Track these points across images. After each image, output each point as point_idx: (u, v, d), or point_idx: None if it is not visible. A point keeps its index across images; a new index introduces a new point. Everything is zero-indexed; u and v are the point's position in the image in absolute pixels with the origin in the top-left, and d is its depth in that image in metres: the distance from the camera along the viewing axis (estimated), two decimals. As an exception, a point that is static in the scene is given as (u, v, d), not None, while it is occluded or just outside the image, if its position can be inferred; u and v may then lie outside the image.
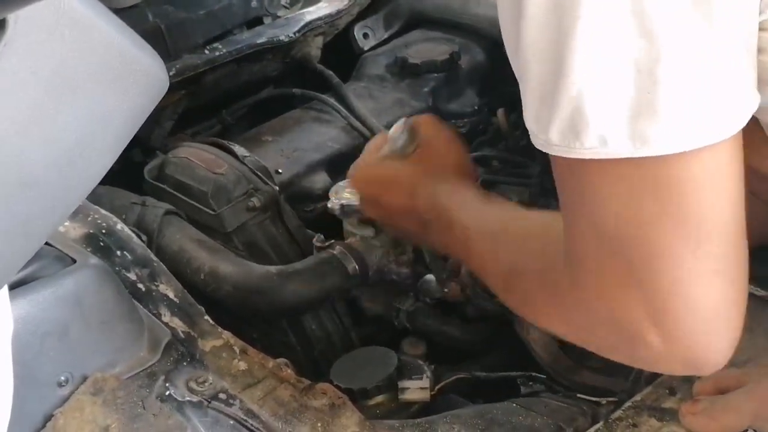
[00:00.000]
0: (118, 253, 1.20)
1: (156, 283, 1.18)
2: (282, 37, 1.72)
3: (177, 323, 1.14)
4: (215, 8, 1.72)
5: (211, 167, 1.45)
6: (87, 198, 1.10)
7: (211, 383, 1.06)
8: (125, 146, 0.78)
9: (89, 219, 1.24)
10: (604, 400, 1.14)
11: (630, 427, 1.04)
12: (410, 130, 1.23)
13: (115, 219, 1.25)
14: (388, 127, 1.61)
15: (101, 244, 1.21)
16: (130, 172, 1.53)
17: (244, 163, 1.47)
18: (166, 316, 1.14)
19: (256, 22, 1.82)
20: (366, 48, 1.86)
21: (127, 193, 1.46)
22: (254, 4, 1.79)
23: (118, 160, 0.78)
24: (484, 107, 1.69)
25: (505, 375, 1.26)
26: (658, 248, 0.75)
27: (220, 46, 1.68)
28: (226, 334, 1.13)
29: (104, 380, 1.03)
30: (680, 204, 0.74)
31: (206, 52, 1.66)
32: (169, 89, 0.79)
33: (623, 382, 1.16)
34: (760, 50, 0.77)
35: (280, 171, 1.53)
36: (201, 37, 1.69)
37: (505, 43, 0.79)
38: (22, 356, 0.90)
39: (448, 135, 1.24)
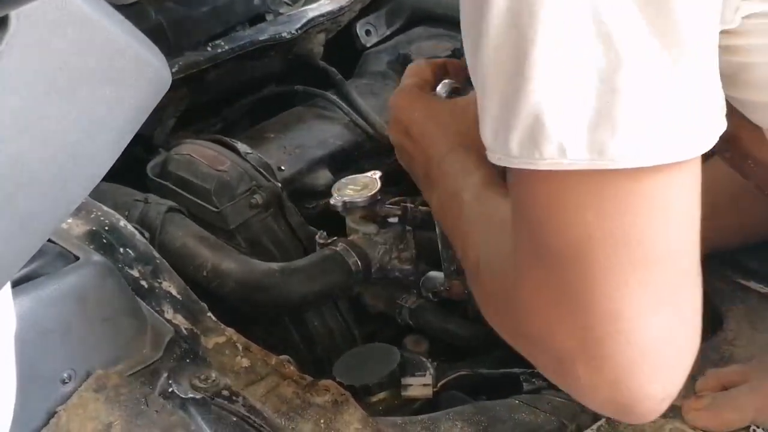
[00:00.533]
0: (121, 250, 1.21)
1: (159, 280, 1.18)
2: (284, 34, 1.72)
3: (180, 320, 1.14)
4: (217, 5, 1.72)
5: (214, 164, 1.45)
6: (90, 195, 1.10)
7: (213, 380, 1.06)
8: (128, 143, 0.78)
9: (92, 216, 1.24)
10: (606, 397, 1.14)
11: (633, 423, 1.04)
12: (452, 91, 1.20)
13: (117, 216, 1.25)
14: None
15: (104, 241, 1.21)
16: (133, 169, 1.53)
17: (247, 160, 1.47)
18: (169, 313, 1.15)
19: (258, 19, 1.81)
20: (368, 45, 1.86)
21: (129, 190, 1.46)
22: (256, 1, 1.79)
23: (120, 157, 0.78)
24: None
25: (508, 372, 1.26)
26: (598, 270, 0.71)
27: (222, 43, 1.67)
28: (229, 331, 1.13)
29: (107, 377, 1.03)
30: (628, 224, 0.71)
31: (208, 49, 1.66)
32: (171, 86, 0.79)
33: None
34: (728, 51, 0.75)
35: (282, 168, 1.53)
36: (203, 34, 1.69)
37: (466, 57, 0.77)
38: (25, 353, 0.89)
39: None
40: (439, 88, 1.19)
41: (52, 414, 1.00)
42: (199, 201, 1.44)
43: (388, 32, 1.88)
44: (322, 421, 1.03)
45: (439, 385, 1.24)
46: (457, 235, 1.01)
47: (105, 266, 1.09)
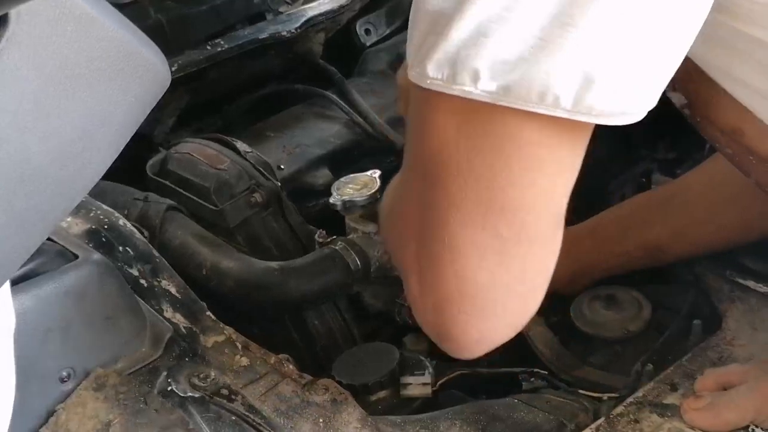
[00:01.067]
0: (120, 248, 1.21)
1: (158, 279, 1.18)
2: (284, 33, 1.72)
3: (179, 319, 1.14)
4: (217, 4, 1.72)
5: (214, 163, 1.45)
6: (89, 194, 1.10)
7: (213, 379, 1.06)
8: (127, 142, 0.78)
9: (91, 215, 1.24)
10: (605, 396, 1.14)
11: (631, 422, 1.04)
12: None
13: (117, 215, 1.26)
14: (390, 123, 1.63)
15: (103, 239, 1.21)
16: (133, 168, 1.53)
17: (247, 159, 1.47)
18: (168, 312, 1.15)
19: (258, 17, 1.81)
20: (368, 44, 1.86)
21: (129, 188, 1.46)
22: (256, -1, 1.79)
23: (120, 156, 0.78)
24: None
25: (507, 371, 1.26)
26: (450, 199, 0.72)
27: (222, 42, 1.67)
28: (228, 330, 1.13)
29: (106, 376, 1.03)
30: (499, 168, 0.71)
31: (208, 47, 1.66)
32: (171, 85, 0.79)
33: (625, 378, 1.17)
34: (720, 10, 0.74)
35: (282, 167, 1.53)
36: (203, 32, 1.69)
37: None
38: (24, 352, 0.90)
39: None
40: None
41: (51, 412, 1.00)
42: (198, 200, 1.44)
43: (388, 31, 1.88)
44: (321, 420, 1.03)
45: (438, 384, 1.24)
46: None
47: (104, 265, 1.09)
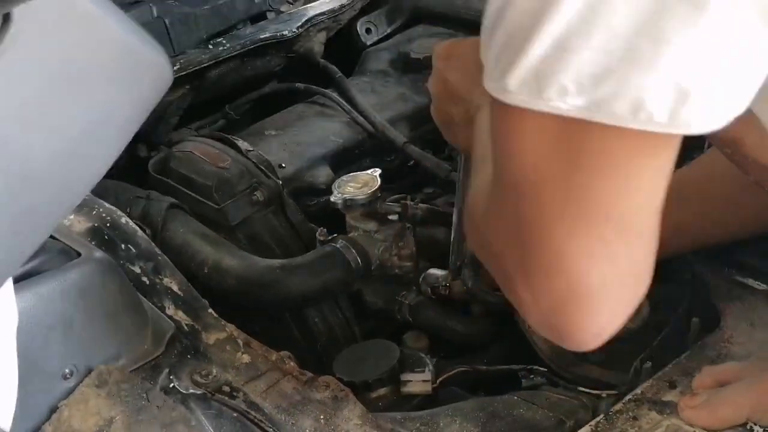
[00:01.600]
0: (123, 246, 1.21)
1: (160, 277, 1.19)
2: (285, 32, 1.73)
3: (181, 316, 1.14)
4: (219, 3, 1.73)
5: (215, 161, 1.46)
6: (92, 192, 1.11)
7: (214, 376, 1.07)
8: (130, 140, 0.78)
9: (94, 213, 1.24)
10: (604, 393, 1.15)
11: (630, 420, 1.05)
12: None
13: (119, 213, 1.26)
14: (390, 122, 1.63)
15: (106, 237, 1.21)
16: (135, 166, 1.54)
17: (248, 158, 1.47)
18: (170, 309, 1.15)
19: (259, 17, 1.82)
20: (369, 43, 1.86)
21: (131, 187, 1.46)
22: (257, -1, 1.80)
23: (122, 154, 0.78)
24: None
25: (507, 368, 1.27)
26: (551, 211, 0.72)
27: (223, 41, 1.68)
28: (230, 327, 1.14)
29: (109, 373, 1.03)
30: (597, 182, 0.71)
31: (210, 47, 1.67)
32: (173, 84, 0.80)
33: (624, 375, 1.17)
34: None
35: (283, 165, 1.53)
36: (205, 32, 1.70)
37: None
38: (27, 349, 0.90)
39: None
40: None
41: (54, 409, 1.00)
42: (200, 198, 1.45)
43: (389, 30, 1.89)
44: (322, 416, 1.04)
45: (438, 381, 1.24)
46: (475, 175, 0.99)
47: (107, 263, 1.09)
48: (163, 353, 1.09)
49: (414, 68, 1.74)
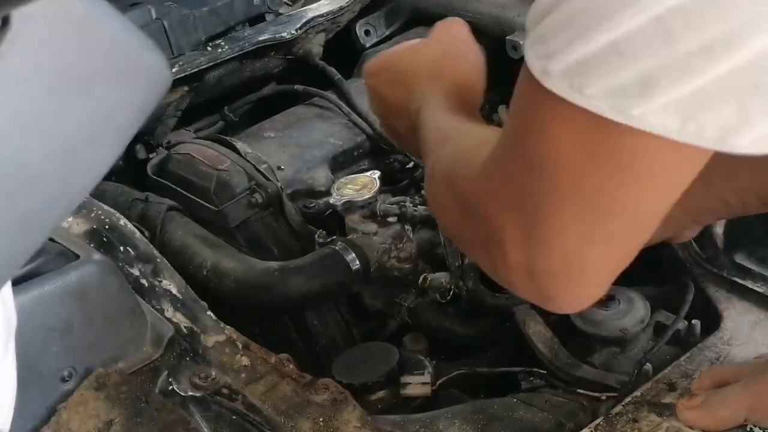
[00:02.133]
0: (122, 248, 1.21)
1: (159, 279, 1.19)
2: (284, 34, 1.72)
3: (180, 318, 1.14)
4: (218, 5, 1.73)
5: (214, 163, 1.46)
6: (90, 194, 1.11)
7: (213, 378, 1.07)
8: (128, 142, 0.78)
9: (92, 215, 1.24)
10: (604, 396, 1.15)
11: (630, 422, 1.05)
12: None
13: (118, 215, 1.26)
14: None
15: (104, 239, 1.21)
16: (134, 168, 1.54)
17: (247, 160, 1.47)
18: (169, 312, 1.15)
19: (258, 19, 1.82)
20: (368, 45, 1.86)
21: (130, 189, 1.46)
22: (256, 1, 1.80)
23: (121, 156, 0.78)
24: (485, 104, 1.69)
25: (506, 370, 1.27)
26: (563, 198, 0.72)
27: (222, 43, 1.68)
28: (229, 330, 1.14)
29: (108, 375, 1.03)
30: (623, 182, 0.70)
31: (209, 49, 1.66)
32: (172, 86, 0.80)
33: (623, 377, 1.17)
34: None
35: (282, 167, 1.53)
36: (203, 34, 1.70)
37: None
38: (26, 351, 0.90)
39: (469, 44, 1.19)
40: None
41: (52, 411, 1.00)
42: (199, 200, 1.45)
43: (388, 32, 1.88)
44: (321, 419, 1.04)
45: (437, 383, 1.24)
46: (426, 164, 0.98)
47: (105, 265, 1.09)
48: (162, 356, 1.09)
49: (413, 70, 1.73)
